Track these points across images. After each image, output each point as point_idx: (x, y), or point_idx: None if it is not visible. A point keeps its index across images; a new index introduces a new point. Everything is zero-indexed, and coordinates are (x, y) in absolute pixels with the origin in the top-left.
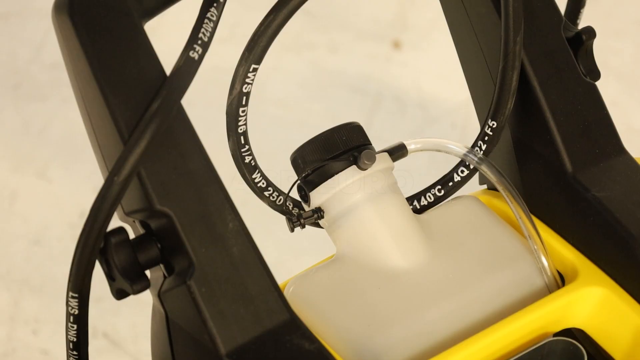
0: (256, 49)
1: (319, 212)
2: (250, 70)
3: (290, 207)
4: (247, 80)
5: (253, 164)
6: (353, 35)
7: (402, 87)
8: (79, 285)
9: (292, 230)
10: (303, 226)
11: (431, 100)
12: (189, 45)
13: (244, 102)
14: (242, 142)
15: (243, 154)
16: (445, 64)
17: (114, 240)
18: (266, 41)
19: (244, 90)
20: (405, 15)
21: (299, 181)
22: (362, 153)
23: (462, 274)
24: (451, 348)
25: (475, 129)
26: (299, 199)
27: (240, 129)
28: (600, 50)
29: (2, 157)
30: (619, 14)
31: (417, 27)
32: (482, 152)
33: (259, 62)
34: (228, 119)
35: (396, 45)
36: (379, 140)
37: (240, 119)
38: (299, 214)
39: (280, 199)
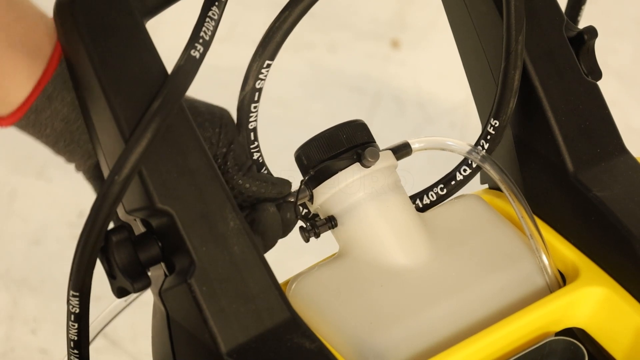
0: (270, 44)
1: (332, 221)
2: (264, 66)
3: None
4: (261, 76)
5: (261, 161)
6: (352, 35)
7: (401, 86)
8: (80, 284)
9: (307, 240)
10: (318, 235)
11: (430, 99)
12: (191, 44)
13: (256, 98)
14: (252, 138)
15: (252, 150)
16: (444, 63)
17: (115, 239)
18: (280, 37)
19: (257, 86)
20: (404, 14)
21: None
22: (366, 150)
23: (464, 273)
24: (453, 347)
25: (475, 128)
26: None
27: (251, 125)
28: (600, 50)
29: (2, 157)
30: (618, 13)
31: (416, 26)
32: (484, 150)
33: (272, 57)
34: (239, 115)
35: (395, 44)
36: (379, 139)
37: (251, 114)
38: (313, 222)
39: None
